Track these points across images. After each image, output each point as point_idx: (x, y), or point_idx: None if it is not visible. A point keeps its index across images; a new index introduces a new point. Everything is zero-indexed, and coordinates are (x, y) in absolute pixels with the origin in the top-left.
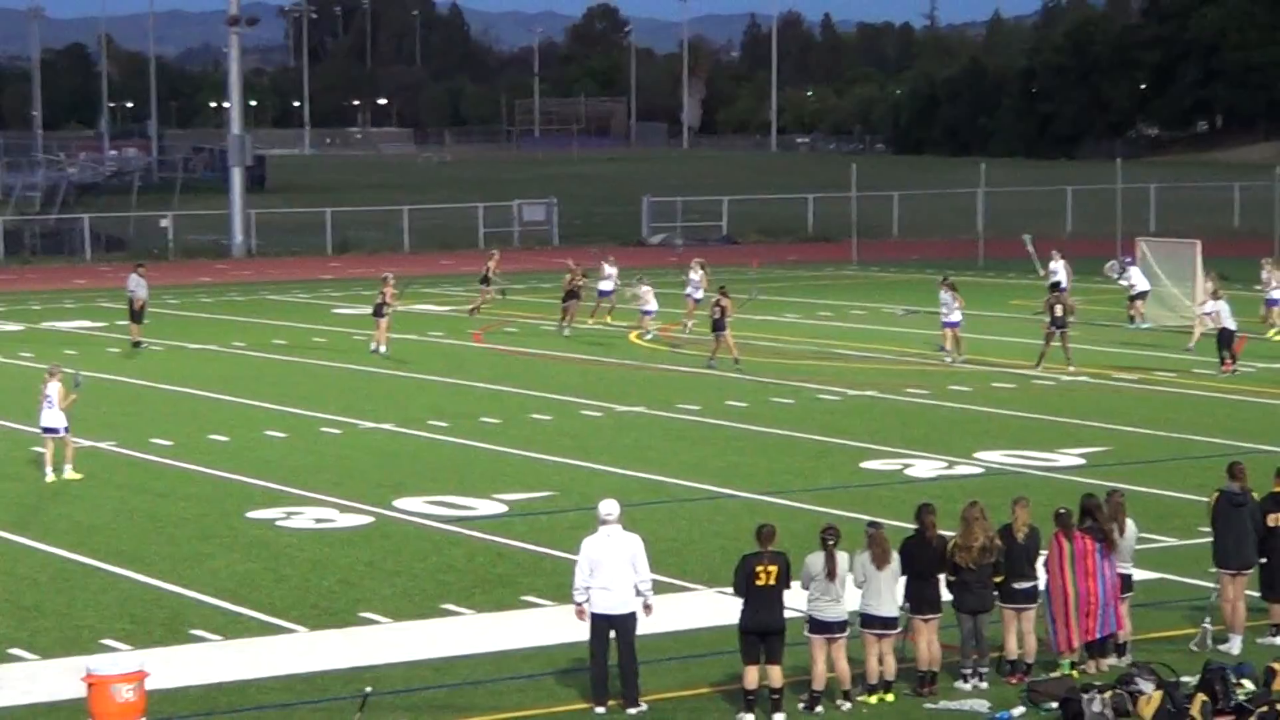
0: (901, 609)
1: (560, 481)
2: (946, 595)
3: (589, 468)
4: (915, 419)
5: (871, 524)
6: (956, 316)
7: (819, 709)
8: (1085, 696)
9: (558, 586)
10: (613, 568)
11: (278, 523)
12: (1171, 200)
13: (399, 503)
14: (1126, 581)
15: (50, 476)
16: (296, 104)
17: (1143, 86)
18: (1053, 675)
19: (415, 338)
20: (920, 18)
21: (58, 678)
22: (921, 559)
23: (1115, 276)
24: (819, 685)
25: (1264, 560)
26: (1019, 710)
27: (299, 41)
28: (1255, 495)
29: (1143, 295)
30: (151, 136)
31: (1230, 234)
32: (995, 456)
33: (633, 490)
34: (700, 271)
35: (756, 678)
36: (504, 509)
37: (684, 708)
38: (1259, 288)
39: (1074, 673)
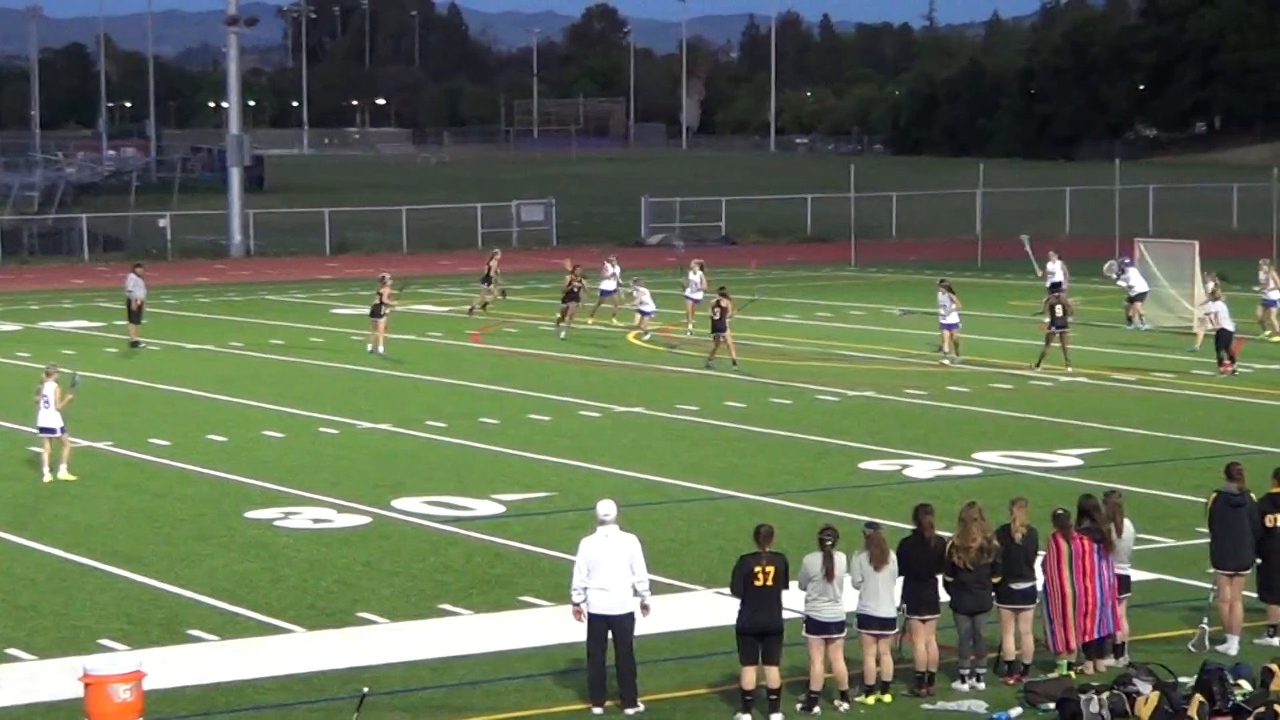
0: (899, 609)
1: (558, 482)
2: (944, 596)
3: (587, 468)
4: (913, 419)
5: (869, 524)
6: (954, 318)
7: (816, 709)
8: (1083, 697)
9: (555, 587)
10: (610, 568)
11: (275, 523)
12: (1170, 201)
13: (397, 503)
14: (1124, 582)
15: (47, 476)
16: (295, 104)
17: (1141, 88)
18: (1050, 676)
19: (414, 338)
20: (919, 18)
21: (55, 678)
22: (919, 560)
23: (1114, 277)
24: (817, 686)
25: (1261, 561)
26: (1016, 711)
27: (297, 41)
28: (1253, 496)
29: (1141, 297)
30: (150, 136)
31: (1228, 235)
32: (993, 457)
33: (631, 491)
34: (699, 273)
35: (754, 678)
36: (502, 509)
37: (681, 708)
38: (1256, 288)
39: (1071, 673)
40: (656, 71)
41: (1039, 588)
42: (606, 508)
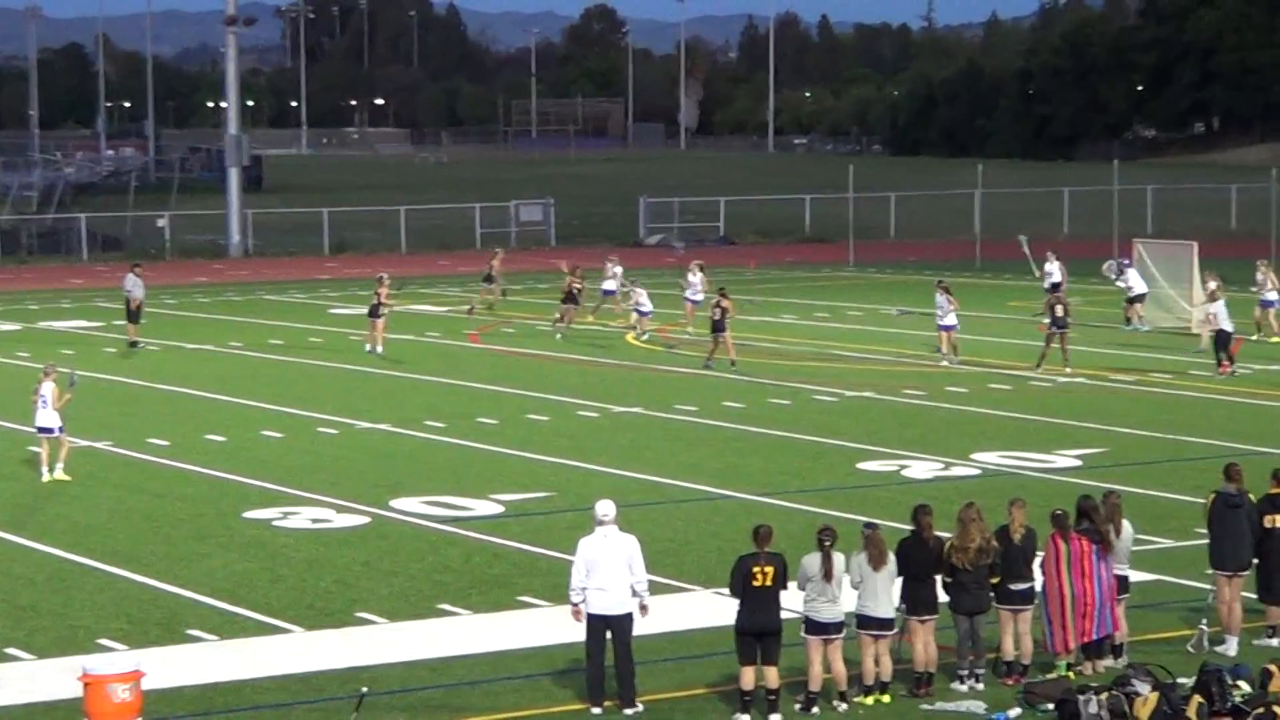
0: (898, 610)
1: (557, 482)
2: (943, 596)
3: (586, 468)
4: (912, 420)
5: (868, 525)
6: (952, 320)
7: (815, 710)
8: (1081, 698)
9: (554, 587)
10: (609, 568)
11: (274, 523)
12: (1169, 202)
13: (396, 503)
14: (1123, 583)
15: (46, 476)
16: (294, 104)
17: (1140, 88)
18: (1049, 676)
19: (412, 338)
20: (917, 19)
21: (54, 677)
22: (918, 560)
23: (1113, 277)
24: (815, 686)
25: (1260, 562)
26: (1015, 712)
27: (296, 41)
28: (1252, 497)
29: (1140, 298)
30: (148, 136)
31: (1227, 236)
32: (992, 458)
33: (630, 491)
34: (699, 274)
35: (753, 678)
36: (500, 509)
37: (680, 708)
38: (1254, 289)
39: (1070, 674)
40: (655, 72)
41: (1038, 588)
42: (605, 508)
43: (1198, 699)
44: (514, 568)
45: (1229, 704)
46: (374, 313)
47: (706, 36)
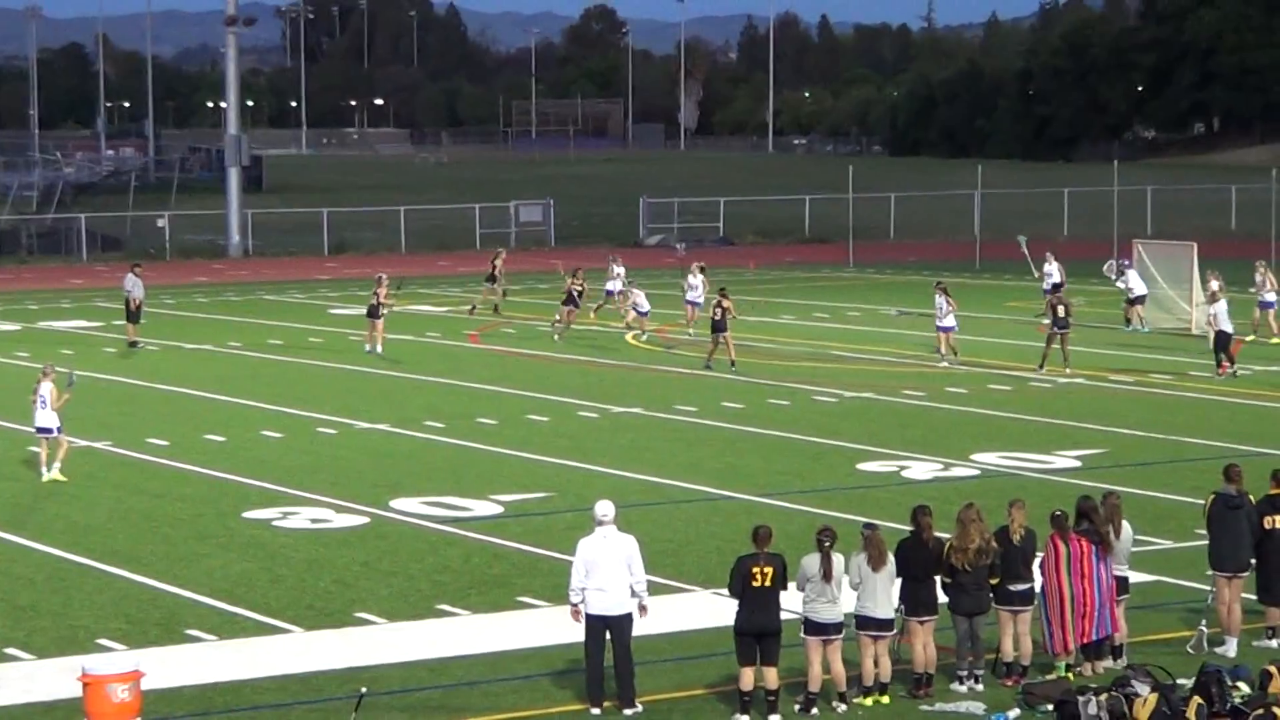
0: (897, 611)
1: (556, 482)
2: (943, 597)
3: (585, 469)
4: (912, 421)
5: (867, 525)
6: (950, 321)
7: (814, 711)
8: (1081, 699)
9: (553, 587)
10: (608, 569)
11: (274, 523)
12: (1168, 202)
13: (395, 503)
14: (1122, 584)
15: (45, 476)
16: (293, 104)
17: (1139, 89)
18: (1048, 677)
19: (412, 338)
20: (917, 19)
21: (53, 677)
22: (917, 561)
23: (1113, 277)
24: (815, 687)
25: (1259, 563)
26: (1014, 712)
27: (296, 42)
28: (1251, 498)
29: (1140, 300)
30: (148, 136)
31: (1227, 236)
32: (991, 458)
33: (629, 491)
34: (700, 275)
35: (752, 679)
36: (500, 510)
37: (680, 709)
38: (1253, 290)
39: (1070, 675)
40: (655, 72)
41: (1037, 589)
42: (604, 508)
43: (1197, 700)
44: (513, 568)
45: (1228, 705)
46: (373, 313)
47: (706, 37)
